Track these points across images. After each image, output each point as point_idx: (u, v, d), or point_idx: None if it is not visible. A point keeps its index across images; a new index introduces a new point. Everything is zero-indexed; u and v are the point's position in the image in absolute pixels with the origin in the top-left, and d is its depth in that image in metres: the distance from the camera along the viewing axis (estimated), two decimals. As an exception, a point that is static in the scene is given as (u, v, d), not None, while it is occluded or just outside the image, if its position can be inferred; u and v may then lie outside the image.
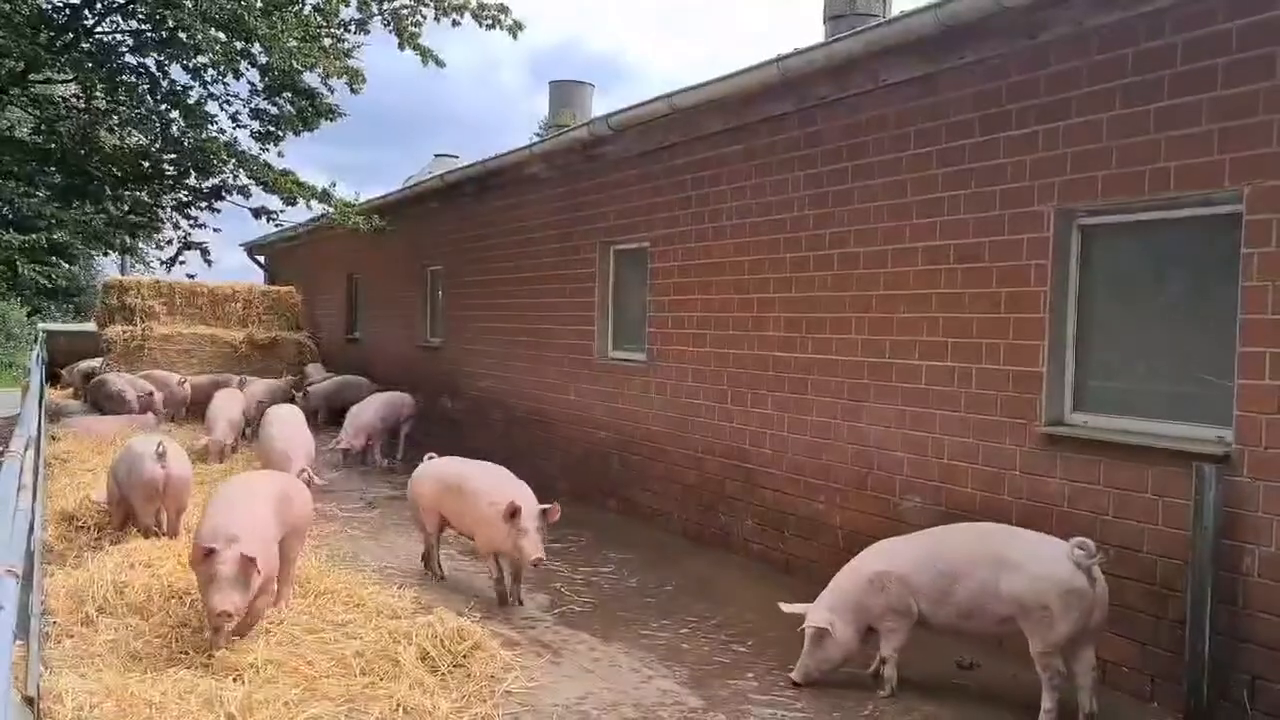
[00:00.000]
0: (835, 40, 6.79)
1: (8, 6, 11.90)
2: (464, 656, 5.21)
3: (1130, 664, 5.27)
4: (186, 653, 5.09)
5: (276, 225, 15.35)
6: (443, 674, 5.04)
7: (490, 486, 6.72)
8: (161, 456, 7.04)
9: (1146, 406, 5.44)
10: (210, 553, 4.94)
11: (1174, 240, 5.40)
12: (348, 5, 12.90)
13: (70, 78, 13.28)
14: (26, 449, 5.86)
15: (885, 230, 6.82)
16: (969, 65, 6.16)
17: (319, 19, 12.88)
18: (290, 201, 13.64)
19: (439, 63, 13.10)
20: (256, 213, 14.45)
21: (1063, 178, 5.65)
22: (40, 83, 13.77)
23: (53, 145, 13.04)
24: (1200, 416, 5.14)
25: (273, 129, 13.95)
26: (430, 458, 7.53)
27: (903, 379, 6.68)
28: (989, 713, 5.00)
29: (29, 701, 3.31)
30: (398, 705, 4.58)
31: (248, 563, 4.94)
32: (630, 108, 8.98)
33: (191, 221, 15.35)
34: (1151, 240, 5.51)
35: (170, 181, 14.65)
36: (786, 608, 5.42)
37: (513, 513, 6.25)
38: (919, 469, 6.55)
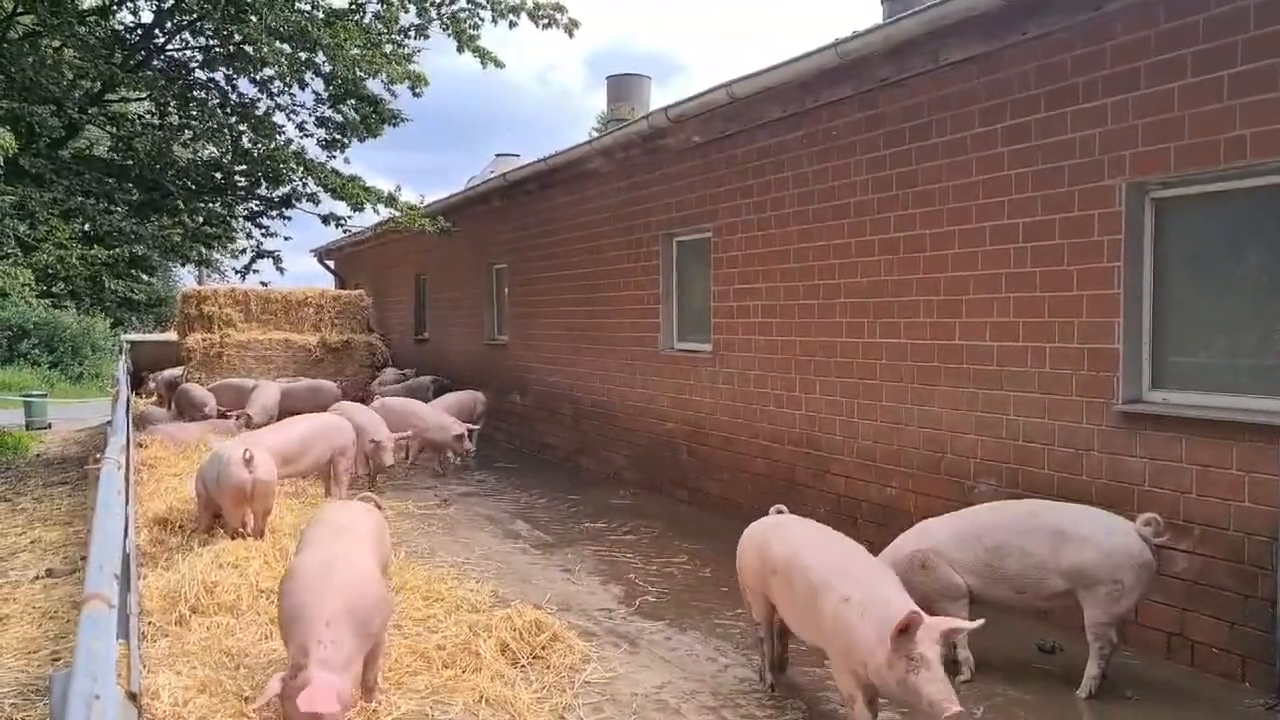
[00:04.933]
0: (893, 21, 6.72)
1: (84, 29, 12.33)
2: (542, 648, 5.32)
3: (1220, 644, 5.15)
4: (276, 649, 5.23)
5: (345, 231, 15.68)
6: (523, 665, 5.16)
7: (846, 572, 4.25)
8: (249, 462, 7.27)
9: (1228, 381, 5.31)
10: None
11: (1252, 210, 5.24)
12: (407, 12, 13.09)
13: (144, 95, 13.71)
14: (120, 455, 6.09)
15: (951, 211, 6.74)
16: (1031, 40, 6.05)
17: (380, 25, 13.10)
18: (358, 207, 13.91)
19: (498, 64, 13.21)
20: (325, 219, 14.78)
21: (1133, 150, 5.53)
22: (116, 101, 14.24)
23: (130, 162, 13.47)
24: (1286, 390, 5.00)
25: (338, 136, 14.27)
26: (778, 510, 5.26)
27: (974, 361, 6.60)
28: (1071, 696, 4.93)
29: (132, 697, 3.46)
30: (480, 697, 4.70)
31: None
32: (689, 98, 8.98)
33: (263, 230, 15.76)
34: (1228, 211, 5.36)
35: (242, 192, 15.05)
36: None
37: (904, 628, 3.75)
38: (993, 451, 6.47)
